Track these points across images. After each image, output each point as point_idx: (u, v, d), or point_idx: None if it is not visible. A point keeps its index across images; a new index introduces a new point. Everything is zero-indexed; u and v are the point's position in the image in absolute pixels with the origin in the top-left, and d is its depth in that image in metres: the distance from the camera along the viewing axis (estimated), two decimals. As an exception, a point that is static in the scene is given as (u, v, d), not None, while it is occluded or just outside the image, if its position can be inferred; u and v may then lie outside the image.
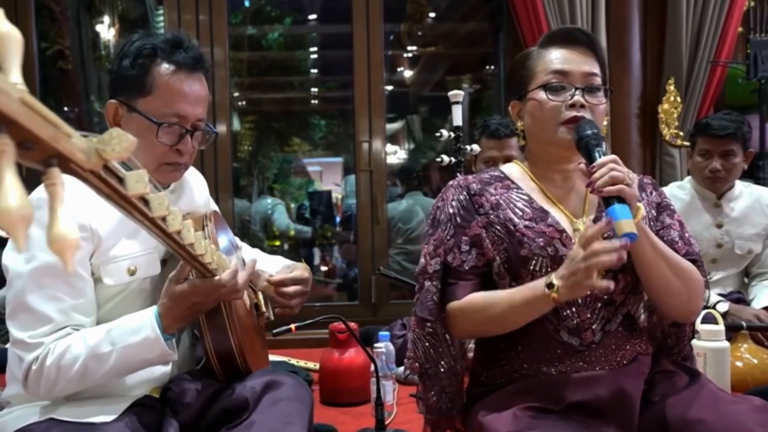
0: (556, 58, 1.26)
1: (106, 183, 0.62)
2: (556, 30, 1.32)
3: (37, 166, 0.50)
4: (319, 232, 5.87)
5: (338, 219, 6.55)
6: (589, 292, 1.18)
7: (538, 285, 1.14)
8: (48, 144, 0.49)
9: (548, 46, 1.29)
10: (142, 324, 1.18)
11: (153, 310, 1.20)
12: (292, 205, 7.13)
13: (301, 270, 1.50)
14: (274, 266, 1.59)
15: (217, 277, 1.15)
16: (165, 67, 1.26)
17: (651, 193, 1.34)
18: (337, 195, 7.13)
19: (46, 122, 0.48)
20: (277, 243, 5.57)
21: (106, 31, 4.81)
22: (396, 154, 7.74)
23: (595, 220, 1.26)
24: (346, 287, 4.97)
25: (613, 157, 1.15)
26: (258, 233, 4.75)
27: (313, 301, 4.03)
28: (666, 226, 1.30)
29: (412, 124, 7.57)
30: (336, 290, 5.19)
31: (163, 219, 0.81)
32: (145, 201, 0.75)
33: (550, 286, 1.11)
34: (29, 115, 0.46)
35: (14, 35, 0.50)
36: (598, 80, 1.26)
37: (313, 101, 7.79)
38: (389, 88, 6.75)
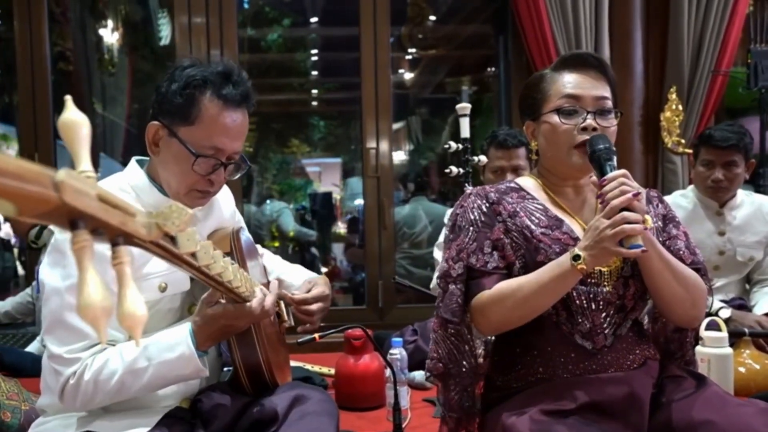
0: (569, 82, 1.32)
1: (162, 248, 0.66)
2: (568, 55, 1.38)
3: (105, 244, 0.53)
4: (318, 234, 5.90)
5: (338, 220, 6.58)
6: (611, 265, 1.26)
7: (563, 260, 1.20)
8: (118, 228, 0.52)
9: (561, 70, 1.35)
10: (178, 341, 1.22)
11: (187, 327, 1.23)
12: (291, 206, 7.15)
13: (321, 286, 1.53)
14: (296, 277, 1.64)
15: (248, 304, 1.20)
16: (212, 101, 1.27)
17: (657, 205, 1.41)
18: (336, 196, 7.16)
19: (115, 209, 0.51)
20: (277, 244, 5.60)
21: (110, 34, 4.83)
22: (395, 154, 7.77)
23: None
24: (352, 290, 5.00)
25: (624, 171, 1.21)
26: (265, 237, 4.78)
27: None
28: (672, 237, 1.37)
29: (411, 125, 7.60)
30: (341, 293, 5.22)
31: (207, 265, 0.85)
32: (193, 254, 0.79)
33: (576, 258, 1.17)
34: (104, 209, 0.49)
35: (83, 123, 0.53)
36: (609, 103, 1.32)
37: (312, 103, 7.82)
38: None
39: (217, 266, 0.90)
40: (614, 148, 1.27)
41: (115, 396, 1.21)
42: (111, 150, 4.85)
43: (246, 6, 6.27)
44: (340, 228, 6.53)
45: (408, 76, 6.85)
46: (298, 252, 5.72)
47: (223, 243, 1.38)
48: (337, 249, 6.17)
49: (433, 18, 5.86)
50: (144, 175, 1.35)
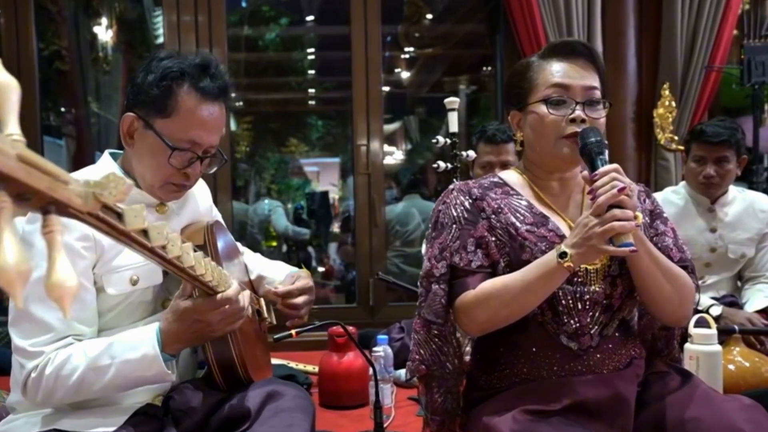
0: (557, 71, 1.27)
1: (103, 221, 0.63)
2: (556, 42, 1.33)
3: (35, 212, 0.51)
4: (314, 233, 5.89)
5: (334, 220, 6.57)
6: (598, 263, 1.23)
7: (549, 258, 1.16)
8: (45, 194, 0.50)
9: (549, 58, 1.29)
10: (143, 340, 1.18)
11: (155, 327, 1.20)
12: (289, 206, 7.13)
13: (304, 279, 1.51)
14: (277, 272, 1.61)
15: (219, 295, 1.16)
16: (189, 93, 1.26)
17: (644, 200, 1.36)
18: (334, 195, 7.16)
19: (42, 174, 0.49)
20: (274, 243, 5.58)
21: (104, 32, 4.81)
22: (393, 156, 7.76)
23: None
24: (345, 289, 4.98)
25: (615, 166, 1.17)
26: (256, 235, 4.76)
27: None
28: (660, 233, 1.33)
29: (409, 125, 7.59)
30: (334, 292, 5.21)
31: (163, 247, 0.82)
32: (144, 232, 0.76)
33: (562, 255, 1.13)
34: (26, 170, 0.47)
35: (11, 85, 0.51)
36: (598, 94, 1.28)
37: (310, 102, 7.81)
38: (386, 89, 6.78)
39: (175, 249, 0.87)
40: (606, 142, 1.23)
41: (76, 393, 1.18)
42: (106, 149, 4.82)
43: (244, 5, 6.27)
44: (336, 227, 6.52)
45: (405, 75, 6.84)
46: (294, 251, 5.70)
47: (196, 236, 1.36)
48: (334, 248, 6.16)
49: (429, 17, 5.84)
50: (117, 167, 1.33)
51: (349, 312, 3.30)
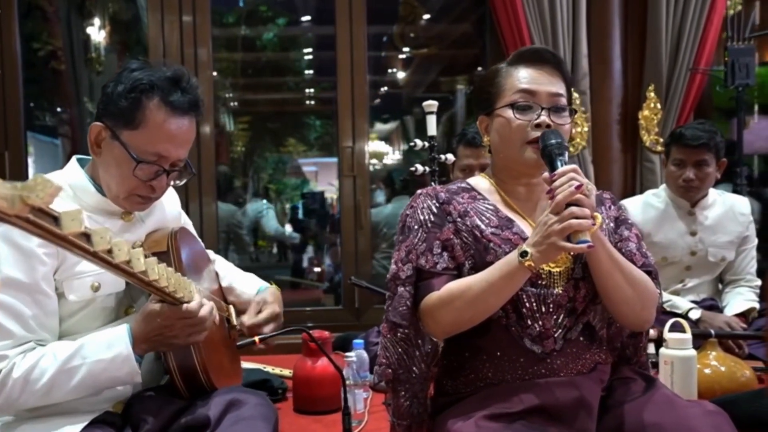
0: (524, 77, 1.30)
1: (35, 225, 0.64)
2: (524, 49, 1.36)
3: None
4: (309, 234, 5.88)
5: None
6: (561, 265, 1.24)
7: (511, 258, 1.18)
8: None
9: (516, 65, 1.32)
10: (114, 340, 1.20)
11: (126, 327, 1.21)
12: (287, 206, 7.14)
13: (271, 306, 1.52)
14: (246, 285, 1.62)
15: (184, 306, 1.18)
16: (158, 107, 1.26)
17: (610, 207, 1.39)
18: (332, 195, 7.15)
19: None
20: (264, 243, 5.58)
21: (97, 32, 4.82)
22: (389, 156, 7.76)
23: None
24: (333, 291, 4.98)
25: (574, 167, 1.19)
26: (245, 237, 4.76)
27: (303, 304, 4.06)
28: (624, 239, 1.35)
29: (407, 124, 7.59)
30: (325, 293, 5.21)
31: (108, 252, 0.82)
32: (86, 236, 0.76)
33: (523, 254, 1.15)
34: None
35: None
36: (564, 101, 1.31)
37: (307, 102, 7.82)
38: (384, 89, 6.79)
39: (122, 254, 0.86)
40: (567, 144, 1.26)
41: (43, 397, 1.19)
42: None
43: (241, 5, 6.28)
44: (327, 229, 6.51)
45: (401, 75, 6.84)
46: (292, 252, 5.70)
47: (160, 243, 1.36)
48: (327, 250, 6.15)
49: (425, 17, 5.83)
50: (84, 174, 1.33)
51: (335, 314, 3.29)
